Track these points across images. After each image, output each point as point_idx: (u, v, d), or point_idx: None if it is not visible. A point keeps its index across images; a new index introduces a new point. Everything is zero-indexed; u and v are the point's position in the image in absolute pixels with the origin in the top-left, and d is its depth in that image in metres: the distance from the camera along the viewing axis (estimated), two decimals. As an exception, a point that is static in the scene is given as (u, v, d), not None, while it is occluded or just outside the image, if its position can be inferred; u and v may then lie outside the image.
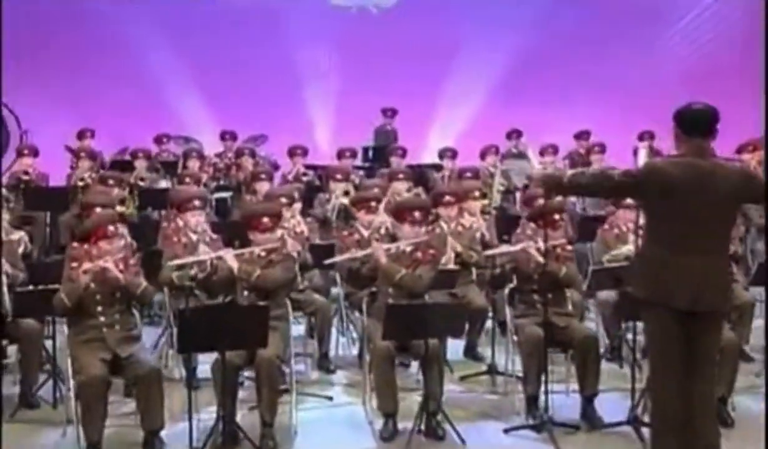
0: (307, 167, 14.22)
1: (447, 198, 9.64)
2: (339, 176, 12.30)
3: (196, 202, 9.08)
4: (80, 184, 13.33)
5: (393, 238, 8.23)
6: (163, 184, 14.14)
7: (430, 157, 16.16)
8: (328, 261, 8.72)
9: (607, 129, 16.86)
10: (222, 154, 15.56)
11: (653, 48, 18.31)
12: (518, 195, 13.95)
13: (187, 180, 12.74)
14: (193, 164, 13.77)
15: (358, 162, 15.37)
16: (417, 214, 7.95)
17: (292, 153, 14.00)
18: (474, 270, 9.46)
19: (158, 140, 15.72)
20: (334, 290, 10.13)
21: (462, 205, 9.84)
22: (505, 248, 8.39)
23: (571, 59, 18.01)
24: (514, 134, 16.19)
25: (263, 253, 7.68)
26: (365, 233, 9.38)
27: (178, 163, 14.83)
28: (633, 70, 17.86)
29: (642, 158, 13.39)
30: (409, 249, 7.93)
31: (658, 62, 18.08)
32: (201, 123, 17.46)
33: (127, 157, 14.52)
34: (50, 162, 14.23)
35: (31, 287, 8.29)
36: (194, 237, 9.01)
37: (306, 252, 9.24)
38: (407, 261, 7.87)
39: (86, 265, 7.16)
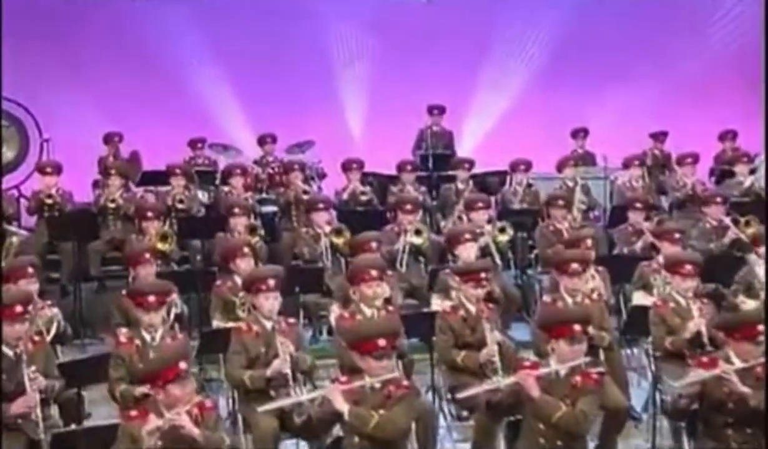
0: (365, 176, 12.06)
1: (574, 266, 7.49)
2: (409, 207, 10.22)
3: (271, 282, 6.96)
4: (111, 205, 11.25)
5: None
6: (200, 195, 12.10)
7: (464, 146, 14.53)
8: (461, 396, 6.47)
9: (662, 116, 15.04)
10: (262, 160, 13.43)
11: (708, 31, 16.12)
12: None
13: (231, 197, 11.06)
14: (236, 181, 11.62)
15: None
16: (577, 327, 5.82)
17: (346, 167, 11.84)
18: (602, 354, 7.42)
19: (193, 144, 13.57)
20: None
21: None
22: (693, 375, 5.88)
23: (618, 42, 15.79)
24: (581, 133, 14.07)
25: (377, 384, 5.63)
26: (472, 308, 7.32)
27: (217, 174, 12.74)
28: (688, 53, 15.72)
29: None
30: (563, 372, 5.84)
31: (712, 46, 15.94)
32: (230, 116, 15.22)
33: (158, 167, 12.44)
34: (73, 170, 12.09)
35: (72, 427, 6.23)
36: (268, 325, 6.93)
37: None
38: (564, 391, 5.78)
39: (152, 423, 5.09)
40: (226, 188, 11.81)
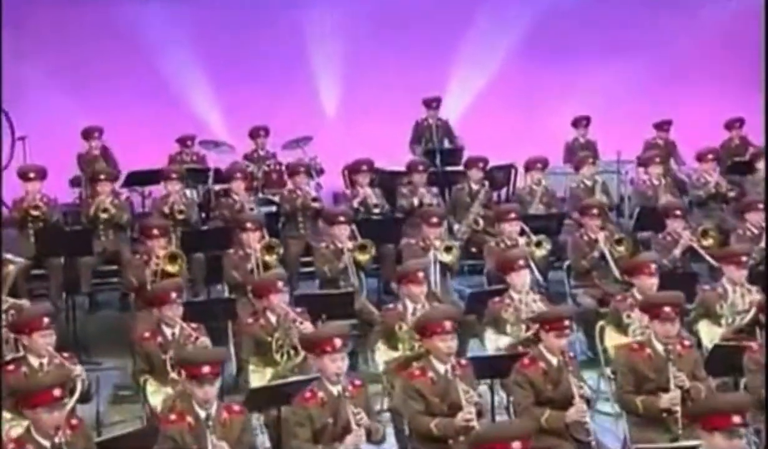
0: (375, 173, 10.93)
1: (667, 310, 6.49)
2: (435, 220, 9.23)
3: (338, 342, 5.91)
4: (103, 215, 10.07)
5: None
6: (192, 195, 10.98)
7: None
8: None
9: (648, 97, 14.32)
10: (253, 155, 12.30)
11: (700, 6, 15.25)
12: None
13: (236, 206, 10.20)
14: (238, 186, 10.50)
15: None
16: (736, 418, 4.84)
17: (355, 170, 10.78)
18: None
19: (182, 141, 12.37)
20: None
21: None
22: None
23: (606, 17, 14.84)
24: (583, 121, 13.13)
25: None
26: (553, 360, 6.35)
27: (209, 172, 11.59)
28: (675, 33, 14.84)
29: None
30: None
31: (702, 26, 15.03)
32: (203, 98, 14.17)
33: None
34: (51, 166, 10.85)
35: None
36: (334, 390, 5.90)
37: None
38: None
39: None
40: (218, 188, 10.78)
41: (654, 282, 7.64)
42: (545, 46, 14.80)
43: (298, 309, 7.50)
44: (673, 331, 6.46)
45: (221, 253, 9.20)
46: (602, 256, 9.19)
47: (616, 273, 9.09)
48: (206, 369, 5.58)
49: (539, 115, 14.77)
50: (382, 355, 7.34)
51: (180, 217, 10.09)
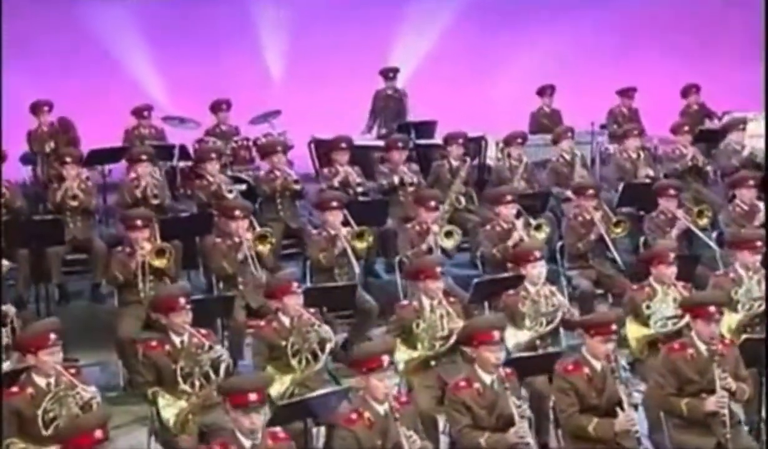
0: (354, 150, 10.28)
1: (712, 310, 6.16)
2: (432, 203, 8.78)
3: (385, 359, 5.47)
4: (74, 203, 9.35)
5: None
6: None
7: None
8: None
9: (605, 57, 14.26)
10: (215, 129, 11.63)
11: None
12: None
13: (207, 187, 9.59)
14: (212, 166, 9.85)
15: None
16: None
17: (333, 147, 10.21)
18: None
19: (138, 113, 11.62)
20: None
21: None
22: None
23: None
24: (548, 90, 12.77)
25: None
26: (597, 365, 5.98)
27: (174, 149, 10.87)
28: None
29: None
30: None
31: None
32: (146, 69, 13.72)
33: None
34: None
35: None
36: (381, 409, 5.46)
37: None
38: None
39: None
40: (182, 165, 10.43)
41: (673, 271, 7.39)
42: (493, 10, 14.44)
43: (312, 310, 7.00)
44: (716, 331, 6.17)
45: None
46: (600, 238, 8.88)
47: (616, 255, 8.83)
48: (253, 396, 5.08)
49: (489, 81, 14.46)
50: (402, 355, 6.89)
51: (154, 201, 9.43)
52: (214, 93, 11.94)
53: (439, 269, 7.09)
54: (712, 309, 6.16)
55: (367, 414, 5.44)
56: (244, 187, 10.37)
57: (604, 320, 6.10)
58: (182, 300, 6.56)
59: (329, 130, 10.89)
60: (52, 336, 5.97)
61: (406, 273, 7.55)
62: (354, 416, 5.44)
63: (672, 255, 7.41)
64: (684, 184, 10.53)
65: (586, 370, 6.01)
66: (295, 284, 6.87)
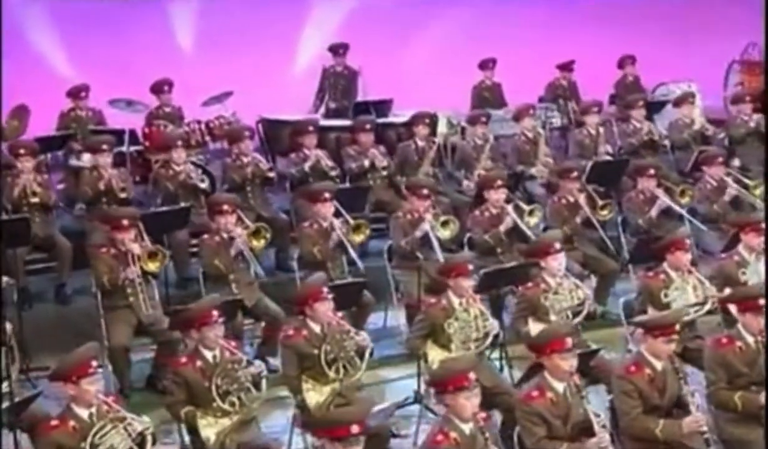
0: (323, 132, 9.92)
1: (761, 302, 6.02)
2: (425, 191, 8.43)
3: (472, 376, 5.12)
4: (34, 200, 8.59)
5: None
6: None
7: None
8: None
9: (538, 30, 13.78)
10: (159, 111, 10.88)
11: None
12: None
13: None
14: (179, 154, 9.19)
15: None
16: None
17: (300, 131, 9.71)
18: None
19: (75, 94, 10.75)
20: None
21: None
22: None
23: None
24: (490, 63, 12.44)
25: None
26: (658, 365, 5.79)
27: (124, 134, 10.08)
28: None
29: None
30: None
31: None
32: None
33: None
34: None
35: None
36: (466, 429, 5.13)
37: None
38: None
39: None
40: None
41: (688, 258, 7.29)
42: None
43: (340, 314, 6.59)
44: (763, 323, 6.08)
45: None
46: (585, 221, 8.75)
47: (605, 236, 8.72)
48: (355, 429, 4.67)
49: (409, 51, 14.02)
50: (437, 355, 6.59)
51: (122, 195, 8.75)
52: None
53: (471, 267, 6.79)
54: (761, 302, 6.06)
55: (453, 435, 5.11)
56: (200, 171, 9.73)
57: (667, 321, 5.92)
58: (215, 314, 6.06)
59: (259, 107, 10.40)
60: (94, 362, 5.38)
61: (438, 271, 7.15)
62: (440, 437, 5.11)
63: (687, 241, 7.31)
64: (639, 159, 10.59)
65: (648, 371, 5.82)
66: (326, 290, 6.43)
